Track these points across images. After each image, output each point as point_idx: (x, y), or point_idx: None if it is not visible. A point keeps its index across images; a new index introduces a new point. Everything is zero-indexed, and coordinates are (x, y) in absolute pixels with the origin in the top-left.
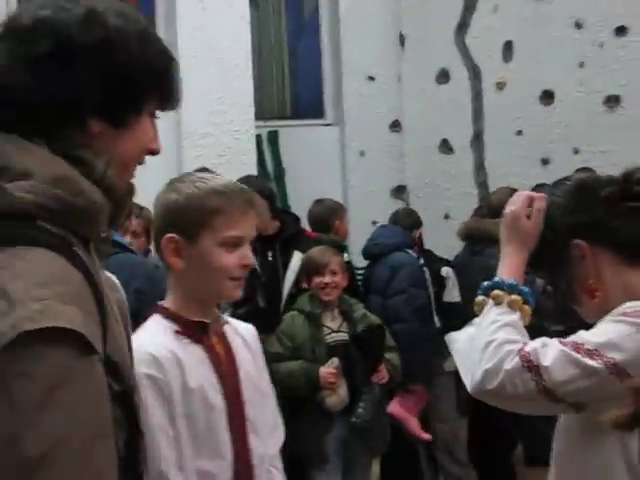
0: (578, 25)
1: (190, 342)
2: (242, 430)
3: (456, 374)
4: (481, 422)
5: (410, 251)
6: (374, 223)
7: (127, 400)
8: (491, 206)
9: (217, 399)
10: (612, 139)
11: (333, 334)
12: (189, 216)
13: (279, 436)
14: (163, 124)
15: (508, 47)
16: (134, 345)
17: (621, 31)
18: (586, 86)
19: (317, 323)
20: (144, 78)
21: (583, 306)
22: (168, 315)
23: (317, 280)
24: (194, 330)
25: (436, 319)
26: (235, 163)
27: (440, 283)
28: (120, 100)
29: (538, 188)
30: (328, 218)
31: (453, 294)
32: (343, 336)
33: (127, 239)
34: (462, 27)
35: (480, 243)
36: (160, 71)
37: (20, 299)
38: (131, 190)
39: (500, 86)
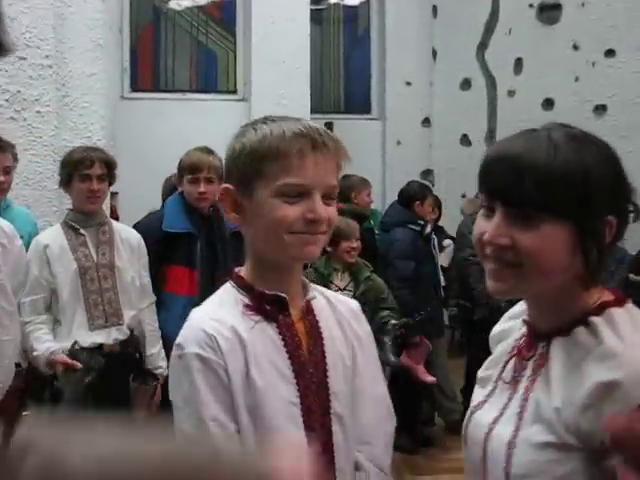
0: (575, 47)
1: (261, 320)
2: (325, 426)
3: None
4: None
5: (412, 225)
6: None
7: None
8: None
9: (288, 391)
10: None
11: (339, 292)
12: (243, 163)
13: (382, 433)
14: (237, 112)
15: (518, 62)
16: (192, 319)
17: (610, 53)
18: (579, 96)
19: (326, 281)
20: None
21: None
22: (240, 284)
23: (346, 244)
24: (268, 305)
25: (442, 279)
26: None
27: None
28: None
29: None
30: (346, 191)
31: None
32: (347, 294)
33: None
34: (482, 45)
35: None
36: None
37: None
38: None
39: (511, 94)
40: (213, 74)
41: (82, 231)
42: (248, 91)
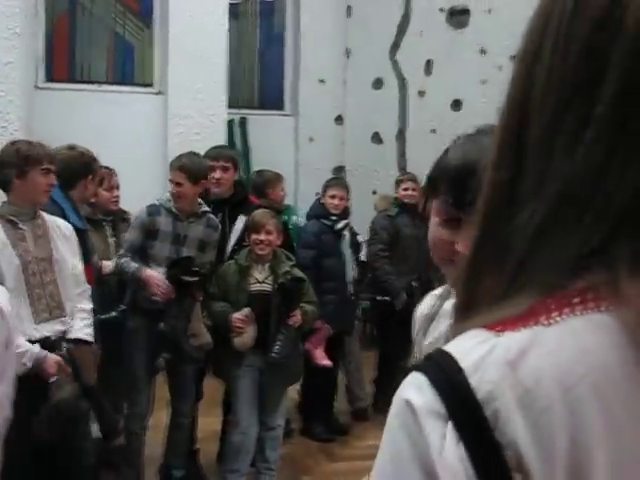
0: (483, 51)
1: None
2: None
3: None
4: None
5: (324, 220)
6: (317, 194)
7: None
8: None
9: None
10: None
11: (257, 284)
12: None
13: None
14: (153, 105)
15: (429, 64)
16: None
17: (515, 58)
18: (487, 98)
19: (245, 273)
20: None
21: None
22: None
23: (254, 237)
24: None
25: (349, 275)
26: (209, 140)
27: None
28: None
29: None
30: (262, 186)
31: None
32: (266, 287)
33: None
34: (395, 46)
35: None
36: None
37: None
38: None
39: (421, 94)
40: (130, 66)
41: (21, 225)
42: (165, 84)
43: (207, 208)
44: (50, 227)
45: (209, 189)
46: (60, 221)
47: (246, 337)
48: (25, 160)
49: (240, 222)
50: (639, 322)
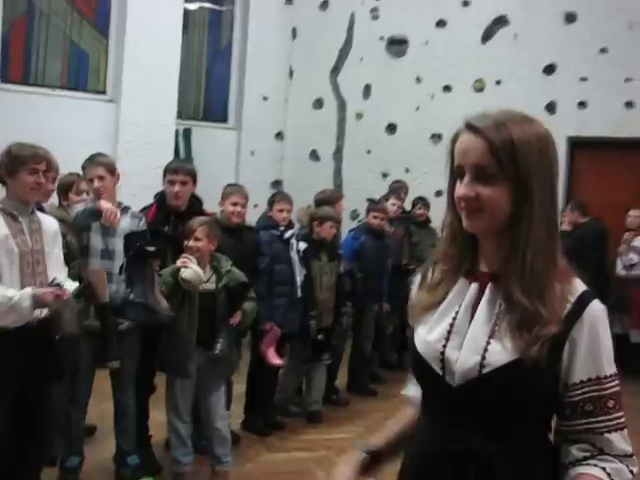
0: (418, 80)
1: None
2: None
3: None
4: None
5: (273, 230)
6: (255, 206)
7: None
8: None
9: None
10: (432, 165)
11: (203, 284)
12: None
13: None
14: (105, 113)
15: (367, 88)
16: None
17: (447, 89)
18: (419, 124)
19: None
20: None
21: None
22: None
23: (185, 242)
24: None
25: (298, 279)
26: (157, 148)
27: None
28: None
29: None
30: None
31: None
32: (211, 286)
33: None
34: (335, 69)
35: None
36: None
37: None
38: None
39: (359, 116)
40: (84, 73)
41: (20, 219)
42: (117, 93)
43: (126, 204)
44: (42, 222)
45: (168, 202)
46: (48, 217)
47: (192, 269)
48: (14, 160)
49: None
50: None
